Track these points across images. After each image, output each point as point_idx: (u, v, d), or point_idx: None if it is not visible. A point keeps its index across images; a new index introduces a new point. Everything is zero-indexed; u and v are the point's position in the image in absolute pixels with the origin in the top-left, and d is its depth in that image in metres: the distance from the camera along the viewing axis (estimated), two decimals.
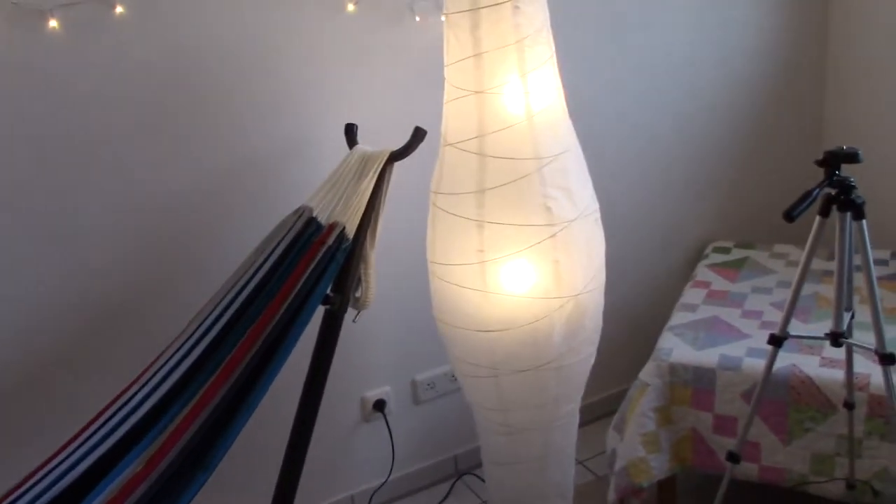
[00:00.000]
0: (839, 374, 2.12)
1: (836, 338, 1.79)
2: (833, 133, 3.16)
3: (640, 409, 2.27)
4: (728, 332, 2.37)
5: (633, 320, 2.94)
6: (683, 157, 2.90)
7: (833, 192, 1.67)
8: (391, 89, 2.31)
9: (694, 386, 2.26)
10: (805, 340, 2.28)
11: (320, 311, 1.91)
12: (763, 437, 2.21)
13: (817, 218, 1.69)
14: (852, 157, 1.62)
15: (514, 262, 1.84)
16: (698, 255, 2.99)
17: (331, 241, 1.87)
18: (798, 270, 1.75)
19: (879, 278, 2.61)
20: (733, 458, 1.92)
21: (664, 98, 2.79)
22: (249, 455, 2.31)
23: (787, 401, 2.17)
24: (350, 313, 1.98)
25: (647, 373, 2.31)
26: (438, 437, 2.67)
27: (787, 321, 1.79)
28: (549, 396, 1.98)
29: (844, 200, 1.66)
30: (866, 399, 2.09)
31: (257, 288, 1.87)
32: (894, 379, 1.80)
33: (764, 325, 2.40)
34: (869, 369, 2.12)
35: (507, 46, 1.75)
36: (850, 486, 2.14)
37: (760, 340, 2.31)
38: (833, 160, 1.63)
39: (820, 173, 1.68)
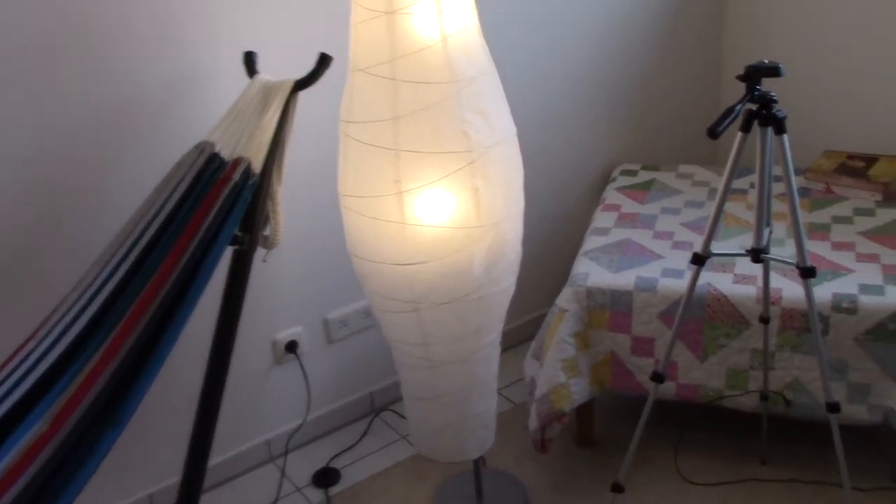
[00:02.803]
0: (752, 291, 2.15)
1: (757, 254, 1.79)
2: (731, 56, 3.18)
3: (559, 336, 2.26)
4: (642, 254, 2.37)
5: (544, 246, 2.92)
6: (586, 82, 2.86)
7: (754, 107, 1.65)
8: (292, 13, 2.18)
9: (611, 309, 2.25)
10: (718, 258, 2.30)
11: (228, 252, 1.81)
12: (679, 356, 2.24)
13: (739, 133, 1.67)
14: (773, 71, 1.60)
15: (433, 192, 1.77)
16: (606, 179, 2.99)
17: (236, 177, 1.76)
18: (721, 187, 1.74)
19: (784, 193, 2.65)
20: (658, 377, 1.93)
21: (566, 24, 2.73)
22: (161, 406, 2.21)
23: (702, 318, 2.19)
24: (260, 253, 1.89)
25: (565, 298, 2.29)
26: (353, 376, 2.61)
27: (709, 239, 1.78)
28: (471, 328, 1.93)
29: (766, 115, 1.64)
30: (779, 313, 2.13)
31: (160, 230, 1.75)
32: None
33: (676, 245, 2.41)
34: (781, 284, 2.16)
35: None
36: (764, 397, 2.19)
37: (674, 261, 2.32)
38: (754, 74, 1.60)
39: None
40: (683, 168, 2.91)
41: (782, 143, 1.65)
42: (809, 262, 1.73)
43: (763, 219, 1.76)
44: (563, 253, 2.93)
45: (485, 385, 2.07)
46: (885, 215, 2.47)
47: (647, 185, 2.80)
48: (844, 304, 2.08)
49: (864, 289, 2.11)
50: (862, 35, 2.76)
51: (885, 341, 2.07)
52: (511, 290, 2.00)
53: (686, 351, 2.23)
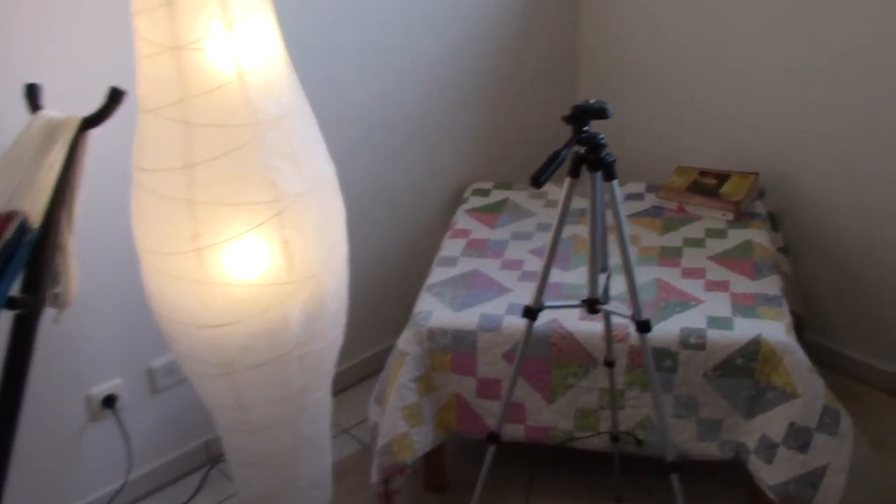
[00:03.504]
0: (599, 328, 2.04)
1: (592, 305, 1.67)
2: (587, 68, 3.08)
3: (400, 381, 2.10)
4: (488, 288, 2.24)
5: (390, 277, 2.76)
6: (434, 99, 2.70)
7: (582, 150, 1.52)
8: (85, 39, 1.94)
9: (454, 351, 2.11)
10: (565, 289, 2.18)
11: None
12: (527, 397, 2.12)
13: (567, 179, 1.54)
14: (600, 113, 1.47)
15: (237, 247, 1.58)
16: (459, 199, 2.84)
17: (9, 234, 1.54)
18: (550, 239, 1.60)
19: (635, 214, 2.57)
20: (494, 438, 1.79)
21: (409, 36, 2.56)
22: None
23: (548, 358, 2.07)
24: (50, 312, 1.66)
25: (405, 341, 2.14)
26: (185, 425, 2.40)
27: (541, 292, 1.65)
28: (293, 388, 1.76)
29: (594, 160, 1.51)
30: (626, 351, 2.03)
31: None
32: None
33: (524, 276, 2.28)
34: (626, 321, 2.06)
35: None
36: (615, 438, 2.09)
37: (521, 295, 2.19)
38: (580, 116, 1.47)
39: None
40: None
41: (612, 190, 1.52)
42: (644, 315, 1.62)
43: (597, 268, 1.64)
44: (414, 281, 2.78)
45: (315, 444, 1.90)
46: (736, 236, 2.40)
47: (498, 207, 2.67)
48: (692, 340, 1.99)
49: (713, 322, 2.03)
50: (715, 51, 2.69)
51: (733, 376, 2.00)
52: (338, 341, 1.83)
53: (533, 392, 2.11)
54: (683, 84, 2.81)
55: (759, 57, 2.58)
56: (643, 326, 1.61)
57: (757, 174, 2.58)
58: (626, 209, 2.61)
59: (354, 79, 2.47)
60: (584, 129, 1.49)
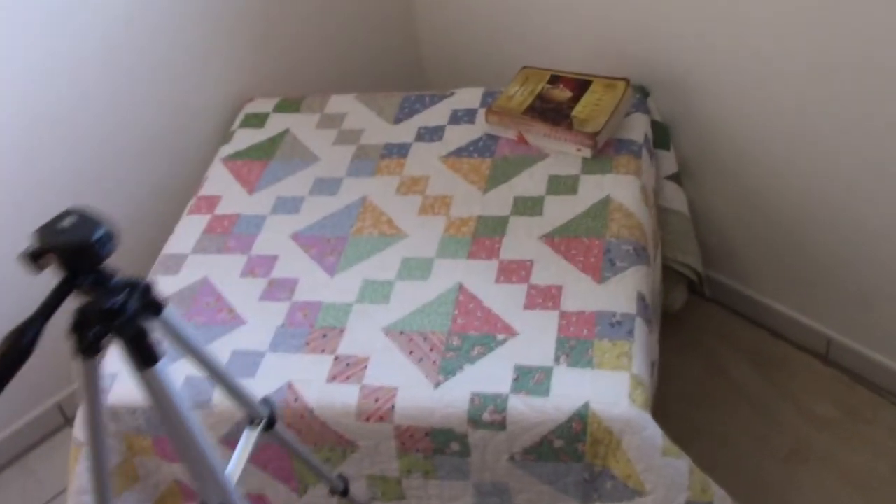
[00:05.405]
0: (353, 399, 1.35)
1: None
2: None
3: (80, 484, 1.44)
4: (213, 318, 1.51)
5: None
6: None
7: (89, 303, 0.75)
8: None
9: (153, 434, 1.43)
10: (322, 311, 1.46)
11: None
12: (270, 489, 1.47)
13: (80, 358, 0.79)
14: (91, 252, 0.69)
15: None
16: (226, 130, 2.03)
17: None
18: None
19: (456, 151, 1.78)
20: None
21: None
22: None
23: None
24: None
25: (81, 425, 1.45)
26: None
27: None
28: None
29: (109, 328, 0.75)
30: (392, 432, 1.35)
31: None
32: None
33: (271, 290, 1.54)
34: (395, 380, 1.36)
35: None
36: None
37: (256, 329, 1.48)
38: (47, 253, 0.70)
39: None
40: (336, 103, 1.98)
41: (155, 383, 0.77)
42: None
43: (205, 470, 0.92)
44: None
45: None
46: (591, 189, 1.63)
47: (270, 148, 1.88)
48: (486, 416, 1.30)
49: (522, 377, 1.33)
50: None
51: (554, 460, 1.33)
52: None
53: (277, 483, 1.45)
54: None
55: None
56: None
57: (627, 81, 1.75)
58: (448, 139, 1.82)
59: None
60: (91, 268, 0.72)
